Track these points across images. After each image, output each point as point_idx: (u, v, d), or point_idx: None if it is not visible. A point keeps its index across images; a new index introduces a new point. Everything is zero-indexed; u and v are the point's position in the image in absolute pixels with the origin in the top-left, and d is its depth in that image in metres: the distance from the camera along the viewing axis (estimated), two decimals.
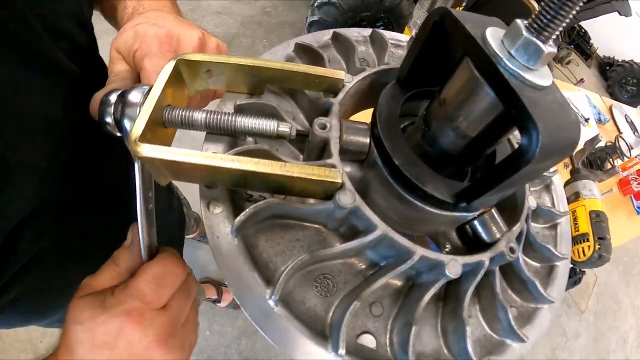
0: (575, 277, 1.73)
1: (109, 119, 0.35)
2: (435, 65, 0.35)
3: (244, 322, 1.71)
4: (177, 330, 0.35)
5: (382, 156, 0.31)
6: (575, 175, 0.99)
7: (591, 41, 3.92)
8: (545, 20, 0.24)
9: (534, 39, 0.24)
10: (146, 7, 0.49)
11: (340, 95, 0.35)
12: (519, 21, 0.25)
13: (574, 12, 0.24)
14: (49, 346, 1.52)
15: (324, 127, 0.32)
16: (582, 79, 3.33)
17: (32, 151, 0.41)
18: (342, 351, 0.27)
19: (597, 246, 0.80)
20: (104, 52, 0.61)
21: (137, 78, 0.41)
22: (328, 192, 0.30)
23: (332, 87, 0.37)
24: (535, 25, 0.24)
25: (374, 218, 0.29)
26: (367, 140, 0.33)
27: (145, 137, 0.30)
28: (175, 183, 1.21)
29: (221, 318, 1.70)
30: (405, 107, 0.38)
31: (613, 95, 3.68)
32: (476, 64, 0.27)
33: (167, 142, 0.37)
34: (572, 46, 3.78)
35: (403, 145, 0.31)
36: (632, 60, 3.74)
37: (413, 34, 1.21)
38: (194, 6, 2.65)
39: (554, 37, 0.25)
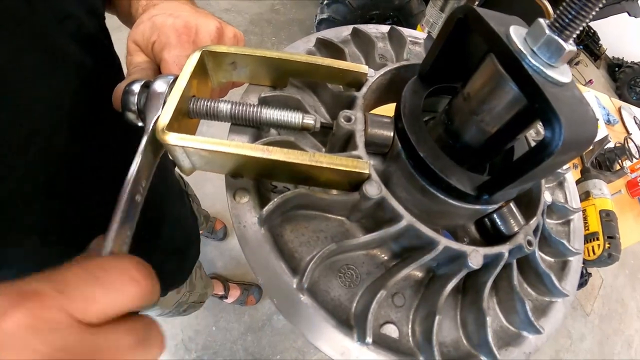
0: (581, 279, 1.73)
1: (132, 108, 0.35)
2: (456, 62, 0.36)
3: (250, 319, 1.73)
4: None
5: (406, 149, 0.32)
6: (585, 174, 1.00)
7: (600, 42, 3.90)
8: (567, 20, 0.25)
9: (556, 37, 0.25)
10: None
11: (364, 89, 0.36)
12: (542, 20, 0.26)
13: (594, 12, 0.25)
14: None
15: (349, 119, 0.33)
16: (591, 80, 3.32)
17: (23, 134, 0.40)
18: (369, 339, 0.28)
19: (607, 245, 0.80)
20: (118, 47, 0.62)
21: (157, 69, 0.42)
22: (353, 183, 0.31)
23: (355, 81, 0.38)
24: (557, 24, 0.25)
25: (400, 209, 0.30)
26: (391, 133, 0.34)
27: (172, 127, 0.31)
28: (186, 179, 1.22)
29: (227, 314, 1.71)
30: (425, 103, 0.39)
31: (622, 97, 3.66)
32: (500, 60, 0.28)
33: (192, 133, 0.38)
34: (581, 47, 3.76)
35: (427, 138, 0.32)
36: None
37: (426, 31, 1.22)
38: (202, 5, 2.64)
39: (574, 35, 0.27)
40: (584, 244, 0.87)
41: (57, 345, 0.19)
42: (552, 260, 0.45)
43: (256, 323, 1.72)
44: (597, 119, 1.60)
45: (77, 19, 0.46)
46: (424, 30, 1.22)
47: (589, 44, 3.86)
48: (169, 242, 0.78)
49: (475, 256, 0.31)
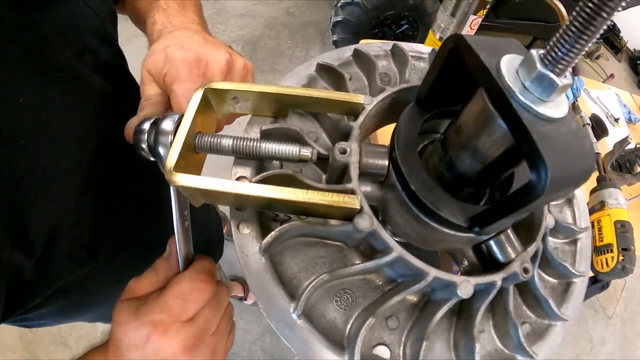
0: (602, 282, 1.65)
1: (144, 146, 0.37)
2: (456, 86, 0.36)
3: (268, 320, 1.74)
4: (204, 339, 0.37)
5: (400, 180, 0.33)
6: (601, 183, 0.95)
7: (621, 34, 3.67)
8: (560, 54, 0.23)
9: (549, 72, 0.24)
10: (175, 24, 0.49)
11: (360, 119, 0.37)
12: (534, 52, 0.25)
13: (589, 44, 0.23)
14: (78, 338, 1.59)
15: (344, 151, 0.34)
16: (612, 75, 3.14)
17: (64, 167, 0.43)
18: None
19: (621, 257, 0.77)
20: (132, 57, 0.63)
21: (167, 101, 0.43)
22: (348, 215, 0.32)
23: (353, 109, 0.38)
24: (549, 58, 0.24)
25: (390, 241, 0.31)
26: (386, 162, 0.34)
27: (179, 166, 0.32)
28: None
29: (247, 315, 1.73)
30: (427, 125, 0.39)
31: None
32: (490, 96, 0.27)
33: (199, 165, 0.39)
34: (601, 40, 3.55)
35: (420, 170, 0.32)
36: None
37: (437, 37, 1.19)
38: (217, 9, 2.69)
39: (569, 69, 0.25)
40: (598, 255, 0.84)
41: (182, 338, 0.35)
42: (555, 281, 0.44)
43: None
44: (614, 120, 1.52)
45: (94, 50, 0.48)
46: (435, 35, 1.20)
47: (610, 36, 3.63)
48: (195, 246, 0.81)
49: (466, 286, 0.31)
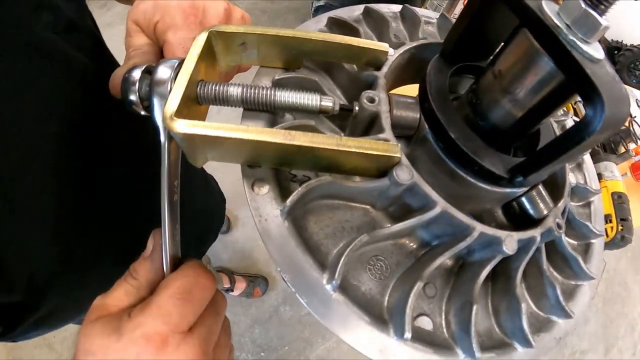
0: None
1: (133, 97, 0.33)
2: (478, 39, 0.35)
3: (256, 311, 1.76)
4: (208, 354, 0.30)
5: (435, 131, 0.32)
6: (595, 157, 1.00)
7: None
8: None
9: (592, 11, 0.25)
10: None
11: (385, 69, 0.36)
12: None
13: None
14: (63, 339, 1.60)
15: (372, 100, 0.32)
16: None
17: (26, 149, 0.40)
18: (408, 335, 0.28)
19: (620, 227, 0.82)
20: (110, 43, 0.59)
21: (159, 52, 0.40)
22: (382, 168, 0.30)
23: (374, 60, 0.37)
24: None
25: (433, 194, 0.30)
26: (417, 114, 0.33)
27: (180, 113, 0.29)
28: None
29: (234, 307, 1.73)
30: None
31: (622, 80, 3.65)
32: (535, 35, 0.28)
33: (201, 120, 0.37)
34: None
35: (457, 118, 0.31)
36: None
37: None
38: None
39: (610, 10, 0.26)
40: None
41: (184, 355, 0.28)
42: (575, 243, 0.46)
43: (263, 315, 1.74)
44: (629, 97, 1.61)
45: (52, 6, 0.44)
46: None
47: None
48: (190, 232, 0.77)
49: (510, 241, 0.31)
